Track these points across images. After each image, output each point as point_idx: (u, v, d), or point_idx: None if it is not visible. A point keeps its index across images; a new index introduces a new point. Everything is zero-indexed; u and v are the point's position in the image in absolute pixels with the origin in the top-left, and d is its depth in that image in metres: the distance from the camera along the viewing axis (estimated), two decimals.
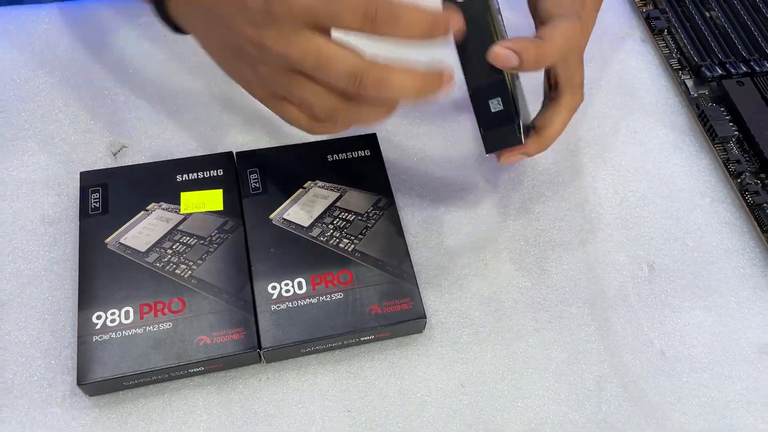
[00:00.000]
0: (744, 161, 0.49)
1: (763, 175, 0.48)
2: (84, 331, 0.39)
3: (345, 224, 0.44)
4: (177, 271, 0.41)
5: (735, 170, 0.48)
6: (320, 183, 0.45)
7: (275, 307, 0.40)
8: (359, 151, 0.47)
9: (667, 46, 0.55)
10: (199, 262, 0.41)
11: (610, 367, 0.41)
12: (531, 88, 0.45)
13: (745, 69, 0.52)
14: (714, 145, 0.50)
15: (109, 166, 0.47)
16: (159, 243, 0.42)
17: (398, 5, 0.32)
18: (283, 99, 0.36)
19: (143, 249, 0.42)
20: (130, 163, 0.47)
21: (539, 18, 0.41)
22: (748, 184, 0.48)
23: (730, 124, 0.50)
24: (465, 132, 0.51)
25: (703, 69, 0.53)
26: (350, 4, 0.31)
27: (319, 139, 0.47)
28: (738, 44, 0.54)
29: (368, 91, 0.33)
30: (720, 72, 0.52)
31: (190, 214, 0.43)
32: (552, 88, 0.42)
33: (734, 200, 0.48)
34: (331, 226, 0.43)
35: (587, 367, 0.41)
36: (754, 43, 0.54)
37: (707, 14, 0.56)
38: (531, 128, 0.42)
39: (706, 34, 0.54)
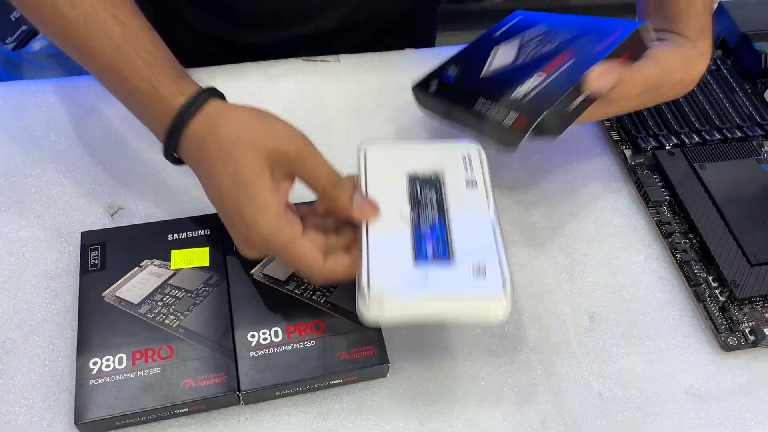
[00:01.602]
0: (674, 223, 0.55)
1: (691, 235, 0.54)
2: (81, 376, 0.43)
3: None
4: (166, 321, 0.46)
5: (666, 231, 0.55)
6: None
7: (254, 353, 0.45)
8: None
9: (609, 121, 0.62)
10: (186, 312, 0.46)
11: (553, 407, 0.46)
12: None
13: (675, 141, 0.59)
14: (648, 208, 0.56)
15: (107, 226, 0.52)
16: (151, 296, 0.47)
17: (322, 275, 0.42)
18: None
19: (137, 301, 0.47)
20: (126, 224, 0.52)
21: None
22: (678, 243, 0.54)
23: (662, 189, 0.57)
24: None
25: (639, 140, 0.59)
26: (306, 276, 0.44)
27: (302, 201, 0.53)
28: (670, 119, 0.61)
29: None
30: (654, 143, 0.59)
31: (180, 269, 0.48)
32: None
33: (666, 257, 0.54)
34: (305, 281, 0.49)
35: (533, 407, 0.46)
36: (685, 117, 0.61)
37: None
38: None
39: (643, 110, 0.61)
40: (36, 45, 1.30)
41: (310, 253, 0.42)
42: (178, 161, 0.47)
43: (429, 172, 0.47)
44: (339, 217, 0.45)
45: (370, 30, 0.70)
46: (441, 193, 0.46)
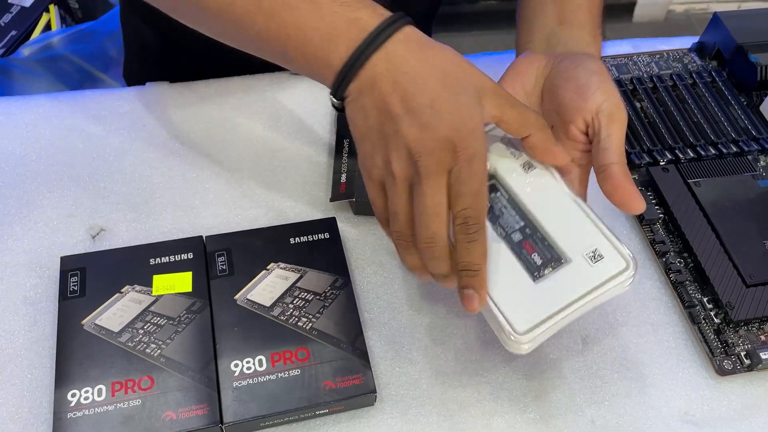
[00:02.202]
0: (668, 242, 0.54)
1: (685, 254, 0.53)
2: (59, 408, 0.42)
3: (304, 303, 0.48)
4: (147, 350, 0.45)
5: (660, 250, 0.54)
6: (282, 264, 0.50)
7: (237, 383, 0.44)
8: (319, 234, 0.52)
9: None
10: (168, 341, 0.45)
11: None
12: None
13: (669, 156, 0.58)
14: (642, 226, 0.55)
15: (88, 249, 0.51)
16: (132, 323, 0.46)
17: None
18: (381, 189, 0.40)
19: (117, 329, 0.45)
20: (108, 246, 0.51)
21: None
22: (672, 263, 0.53)
23: (656, 207, 0.56)
24: None
25: (632, 156, 0.58)
26: (476, 204, 0.38)
27: (281, 224, 0.52)
28: (664, 133, 0.60)
29: (420, 247, 0.39)
30: (647, 159, 0.58)
31: (161, 295, 0.47)
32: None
33: (660, 278, 0.53)
34: (291, 306, 0.47)
35: None
36: (679, 132, 0.60)
37: (637, 105, 0.62)
38: None
39: (636, 124, 0.60)
40: (25, 51, 1.29)
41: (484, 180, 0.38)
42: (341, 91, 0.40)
43: (494, 176, 0.44)
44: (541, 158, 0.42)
45: None
46: (506, 191, 0.43)
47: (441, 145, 0.37)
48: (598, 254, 0.40)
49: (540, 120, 0.41)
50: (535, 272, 0.40)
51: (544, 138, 0.41)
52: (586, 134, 0.43)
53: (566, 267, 0.40)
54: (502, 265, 0.41)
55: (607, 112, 0.42)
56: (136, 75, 0.76)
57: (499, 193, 0.43)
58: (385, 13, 0.39)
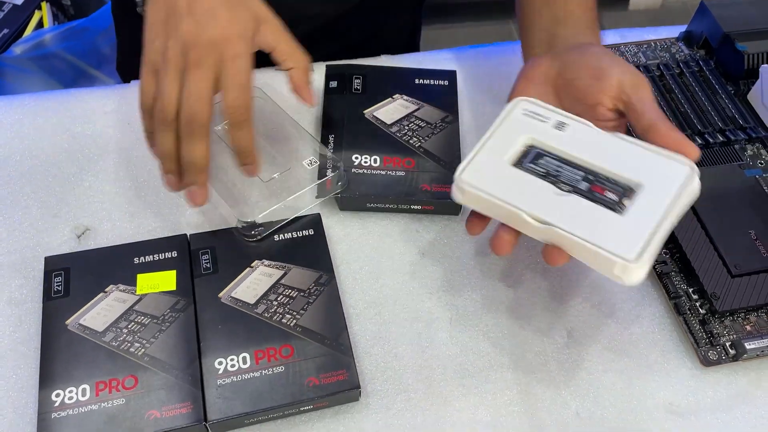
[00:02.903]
0: None
1: (671, 245, 0.53)
2: (43, 409, 0.42)
3: (288, 300, 0.48)
4: (131, 349, 0.45)
5: None
6: (266, 262, 0.50)
7: (221, 381, 0.44)
8: (304, 231, 0.52)
9: None
10: (152, 340, 0.45)
11: (530, 427, 0.45)
12: None
13: None
14: None
15: (74, 249, 0.51)
16: (116, 323, 0.46)
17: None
18: (154, 75, 0.45)
19: (101, 329, 0.45)
20: (92, 245, 0.51)
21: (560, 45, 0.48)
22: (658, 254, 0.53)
23: None
24: (400, 212, 0.55)
25: None
26: (242, 96, 0.45)
27: (268, 221, 0.52)
28: None
29: (181, 126, 0.44)
30: None
31: (145, 294, 0.47)
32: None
33: None
34: (275, 303, 0.47)
35: (509, 428, 0.45)
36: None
37: None
38: None
39: None
40: (17, 49, 1.28)
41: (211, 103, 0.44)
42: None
43: (523, 146, 0.46)
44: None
45: (354, 34, 0.69)
46: (551, 152, 0.45)
47: (211, 43, 0.43)
48: (661, 171, 0.43)
49: (305, 59, 0.48)
50: (616, 207, 0.42)
51: (303, 74, 0.48)
52: (614, 111, 0.46)
53: (641, 192, 0.42)
54: (586, 213, 0.42)
55: (629, 82, 0.45)
56: (129, 69, 0.76)
57: (546, 158, 0.45)
58: None
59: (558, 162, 0.45)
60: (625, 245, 0.40)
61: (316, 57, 0.64)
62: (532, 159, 0.45)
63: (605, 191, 0.43)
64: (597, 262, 0.41)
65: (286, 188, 0.53)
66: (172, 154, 0.46)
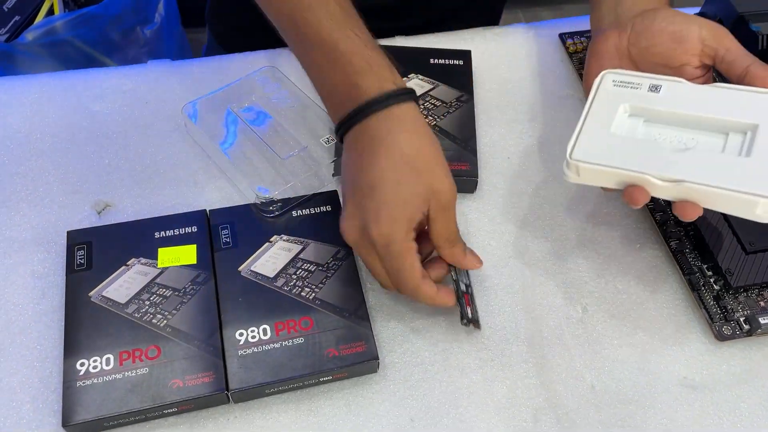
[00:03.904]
0: (669, 211, 0.54)
1: (685, 223, 0.54)
2: (69, 377, 0.43)
3: (307, 274, 0.48)
4: (154, 320, 0.45)
5: (661, 219, 0.54)
6: (285, 237, 0.50)
7: (242, 352, 0.44)
8: (321, 207, 0.52)
9: None
10: (173, 312, 0.46)
11: (545, 400, 0.46)
12: None
13: None
14: None
15: (94, 225, 0.51)
16: (138, 295, 0.46)
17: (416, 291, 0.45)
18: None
19: (123, 301, 0.46)
20: (113, 221, 0.52)
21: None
22: (672, 231, 0.53)
23: None
24: None
25: None
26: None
27: (285, 197, 0.52)
28: None
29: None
30: None
31: (167, 268, 0.48)
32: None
33: (660, 246, 0.53)
34: (294, 276, 0.48)
35: (524, 400, 0.46)
36: None
37: None
38: None
39: None
40: (29, 36, 1.29)
41: (417, 267, 0.44)
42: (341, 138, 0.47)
43: (625, 114, 0.47)
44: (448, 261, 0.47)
45: (434, 8, 0.71)
46: (655, 116, 0.46)
47: (369, 236, 0.44)
48: None
49: (454, 237, 0.46)
50: (740, 150, 0.43)
51: (456, 252, 0.46)
52: (700, 68, 0.48)
53: (759, 131, 0.43)
54: (711, 162, 0.43)
55: (710, 35, 0.47)
56: (220, 18, 0.78)
57: (653, 119, 0.46)
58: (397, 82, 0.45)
59: (665, 120, 0.46)
60: (761, 183, 0.41)
61: (396, 30, 0.65)
62: (639, 123, 0.46)
63: (724, 137, 0.44)
64: (736, 206, 0.42)
65: (303, 165, 0.54)
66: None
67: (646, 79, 0.47)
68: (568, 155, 0.45)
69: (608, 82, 0.48)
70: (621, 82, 0.48)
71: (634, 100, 0.47)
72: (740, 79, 0.45)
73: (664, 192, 0.43)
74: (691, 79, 0.47)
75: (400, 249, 0.44)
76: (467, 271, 0.48)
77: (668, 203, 0.55)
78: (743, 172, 0.42)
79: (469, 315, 0.47)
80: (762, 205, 0.41)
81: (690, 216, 0.43)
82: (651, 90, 0.47)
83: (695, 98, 0.46)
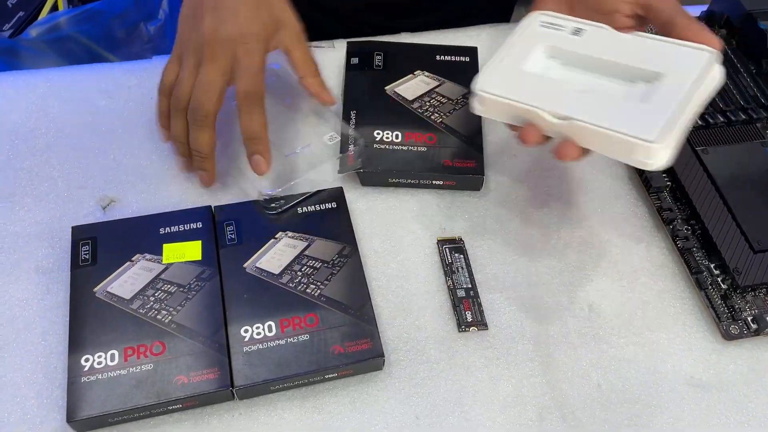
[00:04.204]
0: (676, 209, 0.54)
1: (692, 222, 0.53)
2: (73, 373, 0.43)
3: (312, 271, 0.48)
4: (158, 316, 0.45)
5: (667, 217, 0.53)
6: (290, 233, 0.50)
7: (247, 348, 0.44)
8: (327, 204, 0.52)
9: None
10: (178, 308, 0.46)
11: (551, 399, 0.46)
12: None
13: None
14: (649, 194, 0.55)
15: (99, 220, 0.51)
16: (143, 291, 0.46)
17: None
18: (177, 63, 0.50)
19: (128, 297, 0.46)
20: (118, 217, 0.51)
21: None
22: (679, 230, 0.53)
23: (664, 175, 0.56)
24: (421, 188, 0.55)
25: None
26: (254, 82, 0.48)
27: (290, 194, 0.52)
28: None
29: (189, 113, 0.49)
30: None
31: (172, 263, 0.48)
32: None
33: (667, 245, 0.53)
34: (299, 273, 0.48)
35: (530, 399, 0.45)
36: None
37: None
38: None
39: None
40: (33, 32, 1.29)
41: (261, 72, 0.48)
42: None
43: (540, 53, 0.48)
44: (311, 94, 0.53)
45: (444, 9, 0.72)
46: (573, 56, 0.47)
47: (228, 39, 0.47)
48: (681, 60, 0.44)
49: (315, 66, 0.52)
50: (640, 97, 0.43)
51: (317, 83, 0.52)
52: (632, 18, 0.48)
53: (662, 79, 0.43)
54: (606, 104, 0.43)
55: None
56: None
57: (563, 59, 0.47)
58: None
59: (580, 64, 0.46)
60: (646, 128, 0.41)
61: (407, 28, 0.65)
62: (549, 61, 0.47)
63: (627, 81, 0.44)
64: (619, 149, 0.42)
65: (306, 163, 0.53)
66: (184, 140, 0.50)
67: (573, 23, 0.48)
68: (473, 85, 0.46)
69: (536, 22, 0.49)
70: (548, 23, 0.48)
71: (553, 41, 0.47)
72: (664, 27, 0.46)
73: (552, 129, 0.43)
74: (620, 27, 0.47)
75: (256, 47, 0.48)
76: (469, 275, 0.49)
77: (674, 200, 0.55)
78: (632, 116, 0.42)
79: (468, 320, 0.47)
80: (642, 149, 0.40)
81: (565, 156, 0.43)
82: (573, 33, 0.47)
83: (613, 45, 0.46)
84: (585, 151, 0.43)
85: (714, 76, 0.44)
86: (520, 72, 0.46)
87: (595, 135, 0.42)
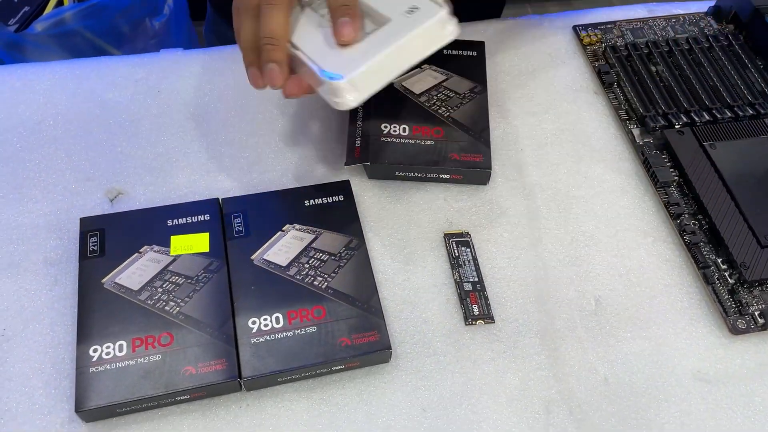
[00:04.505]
0: (683, 204, 0.54)
1: (700, 217, 0.53)
2: (81, 363, 0.43)
3: (319, 263, 0.48)
4: (166, 307, 0.45)
5: (675, 212, 0.53)
6: (297, 226, 0.50)
7: (255, 340, 0.44)
8: (334, 197, 0.52)
9: (616, 99, 0.61)
10: (186, 299, 0.46)
11: (558, 392, 0.46)
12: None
13: (685, 119, 0.58)
14: (657, 188, 0.55)
15: (107, 212, 0.51)
16: (150, 282, 0.46)
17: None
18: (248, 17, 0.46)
19: (136, 288, 0.46)
20: (125, 209, 0.52)
21: None
22: (686, 225, 0.53)
23: (671, 169, 0.56)
24: (428, 181, 0.56)
25: (647, 119, 0.58)
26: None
27: (297, 186, 0.52)
28: (680, 97, 0.59)
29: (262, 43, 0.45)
30: (663, 122, 0.58)
31: (179, 255, 0.48)
32: None
33: (674, 239, 0.53)
34: (306, 266, 0.48)
35: (537, 392, 0.45)
36: (695, 95, 0.60)
37: (653, 69, 0.62)
38: None
39: (651, 88, 0.60)
40: (38, 26, 1.29)
41: (286, 23, 0.44)
42: None
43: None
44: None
45: None
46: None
47: None
48: (414, 8, 0.44)
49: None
50: (360, 36, 0.44)
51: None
52: None
53: (386, 25, 0.44)
54: (330, 40, 0.44)
55: None
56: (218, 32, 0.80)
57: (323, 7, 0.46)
58: None
59: (323, 12, 0.46)
60: (342, 66, 0.41)
61: None
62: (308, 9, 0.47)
63: (369, 26, 0.45)
64: (315, 82, 0.43)
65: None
66: (253, 43, 0.46)
67: None
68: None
69: None
70: None
71: None
72: None
73: (292, 62, 0.45)
74: None
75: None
76: (476, 268, 0.49)
77: (681, 195, 0.55)
78: (340, 54, 0.43)
79: (475, 313, 0.47)
80: (328, 86, 0.42)
81: (292, 91, 0.44)
82: None
83: None
84: (309, 89, 0.45)
85: (443, 34, 0.44)
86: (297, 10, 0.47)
87: (303, 66, 0.43)
